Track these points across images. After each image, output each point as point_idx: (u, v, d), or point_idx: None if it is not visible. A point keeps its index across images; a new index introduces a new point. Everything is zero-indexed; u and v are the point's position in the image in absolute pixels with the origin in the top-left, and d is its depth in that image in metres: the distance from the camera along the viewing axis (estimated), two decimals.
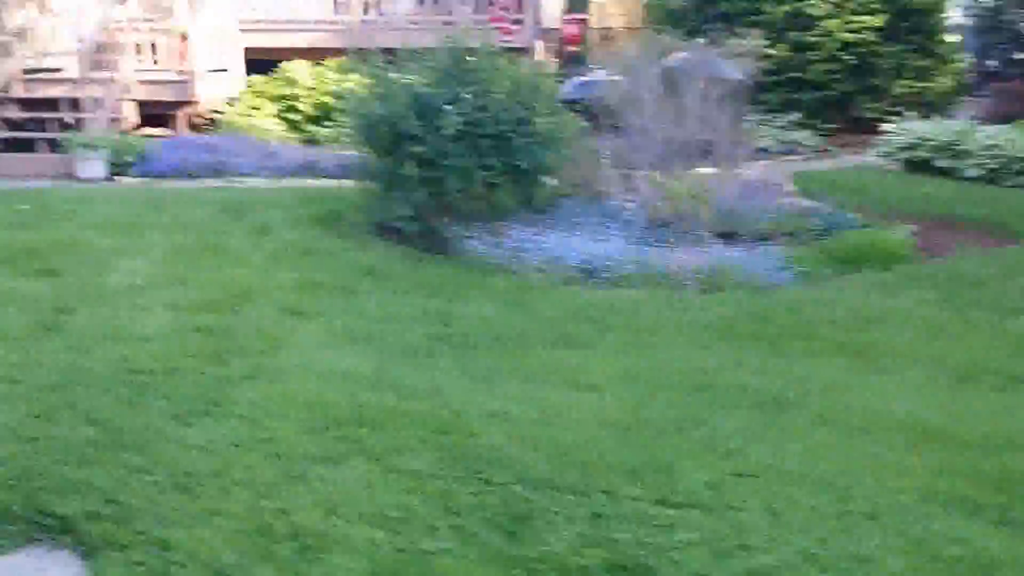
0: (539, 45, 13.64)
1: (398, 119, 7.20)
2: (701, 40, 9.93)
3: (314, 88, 12.88)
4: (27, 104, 11.91)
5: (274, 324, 5.46)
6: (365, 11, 14.17)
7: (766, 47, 11.33)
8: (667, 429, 4.17)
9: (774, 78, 12.28)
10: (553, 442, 3.96)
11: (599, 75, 10.10)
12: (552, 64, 13.29)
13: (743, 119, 8.97)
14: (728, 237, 7.38)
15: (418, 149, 7.15)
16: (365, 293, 6.15)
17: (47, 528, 3.26)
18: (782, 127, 12.27)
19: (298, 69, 13.23)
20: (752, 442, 4.06)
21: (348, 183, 8.59)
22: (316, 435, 3.98)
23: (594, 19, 16.34)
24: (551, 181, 7.98)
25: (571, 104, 8.75)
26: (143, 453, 3.77)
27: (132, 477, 3.57)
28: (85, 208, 8.38)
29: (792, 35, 13.10)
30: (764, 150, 10.70)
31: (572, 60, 14.46)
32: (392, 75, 7.72)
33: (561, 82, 9.78)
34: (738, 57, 9.27)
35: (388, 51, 8.35)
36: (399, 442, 3.92)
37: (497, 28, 11.70)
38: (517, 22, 13.31)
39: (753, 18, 12.81)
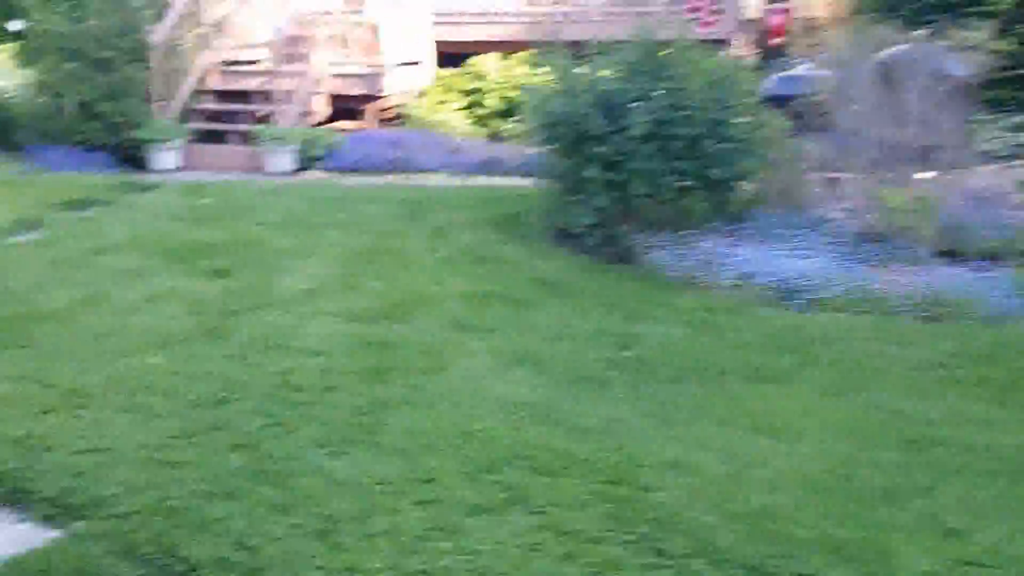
0: (739, 37, 12.88)
1: (580, 118, 6.74)
2: (919, 31, 8.97)
3: (501, 82, 12.62)
4: (223, 96, 12.18)
5: (440, 339, 5.12)
6: (556, 2, 13.78)
7: (992, 40, 10.20)
8: (878, 496, 3.55)
9: (1002, 74, 11.07)
10: (742, 504, 3.42)
11: (804, 70, 9.33)
12: (751, 57, 12.51)
13: (968, 120, 8.02)
14: (950, 256, 6.53)
15: (602, 150, 6.67)
16: (538, 307, 5.73)
17: (171, 574, 3.00)
18: (1011, 128, 11.04)
19: (487, 63, 13.01)
20: (980, 520, 3.40)
21: (530, 183, 8.22)
22: (473, 478, 3.59)
23: (798, 8, 15.36)
24: (747, 187, 7.32)
25: (772, 102, 8.05)
26: (285, 487, 3.49)
27: (270, 517, 3.28)
28: (266, 204, 8.36)
29: (1021, 28, 11.79)
30: (990, 154, 9.61)
31: (773, 53, 13.60)
32: (577, 70, 7.27)
33: (761, 77, 9.06)
34: (964, 51, 8.31)
35: (578, 44, 7.91)
36: (564, 493, 3.48)
37: (695, 19, 11.03)
38: (715, 12, 12.59)
39: (977, 8, 11.60)
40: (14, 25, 11.95)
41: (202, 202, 8.40)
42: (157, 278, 6.06)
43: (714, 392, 4.56)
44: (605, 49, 7.38)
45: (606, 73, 7.12)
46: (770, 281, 6.09)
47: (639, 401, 4.42)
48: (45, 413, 4.04)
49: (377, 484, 3.52)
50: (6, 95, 12.16)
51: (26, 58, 11.83)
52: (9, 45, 12.58)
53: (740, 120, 6.93)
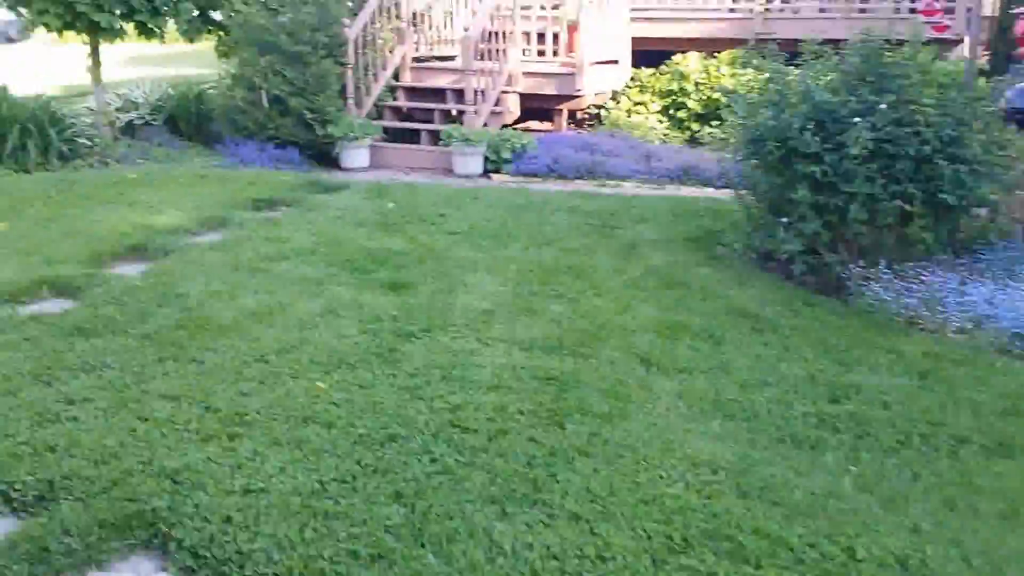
0: (972, 37, 11.75)
1: (791, 132, 6.11)
2: None
3: (703, 83, 12.00)
4: (415, 93, 12.11)
5: (624, 377, 4.66)
6: None
7: None
8: None
9: None
10: None
11: None
12: (984, 61, 11.38)
13: None
14: None
15: (814, 169, 6.03)
16: (736, 343, 5.18)
17: None
18: None
19: (689, 62, 12.41)
20: None
21: (729, 196, 7.62)
22: (658, 560, 3.12)
23: None
24: (983, 213, 6.49)
25: (1015, 115, 7.14)
26: (441, 553, 3.12)
27: None
28: (450, 210, 8.12)
29: None
30: None
31: (1010, 59, 12.36)
32: (789, 77, 6.64)
33: (999, 86, 8.11)
34: None
35: (790, 44, 7.25)
36: None
37: (928, 22, 10.06)
38: (948, 12, 11.52)
39: None
40: (214, 15, 12.28)
41: (387, 206, 8.24)
42: (334, 289, 5.86)
43: (946, 465, 3.91)
44: (821, 52, 6.71)
45: (822, 81, 6.46)
46: (1010, 326, 5.31)
47: (856, 471, 3.82)
48: (203, 441, 3.84)
49: (545, 558, 3.11)
50: (205, 86, 12.52)
51: (224, 50, 12.11)
52: (212, 36, 12.97)
53: (978, 137, 6.13)
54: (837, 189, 6.01)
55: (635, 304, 5.74)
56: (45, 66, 20.16)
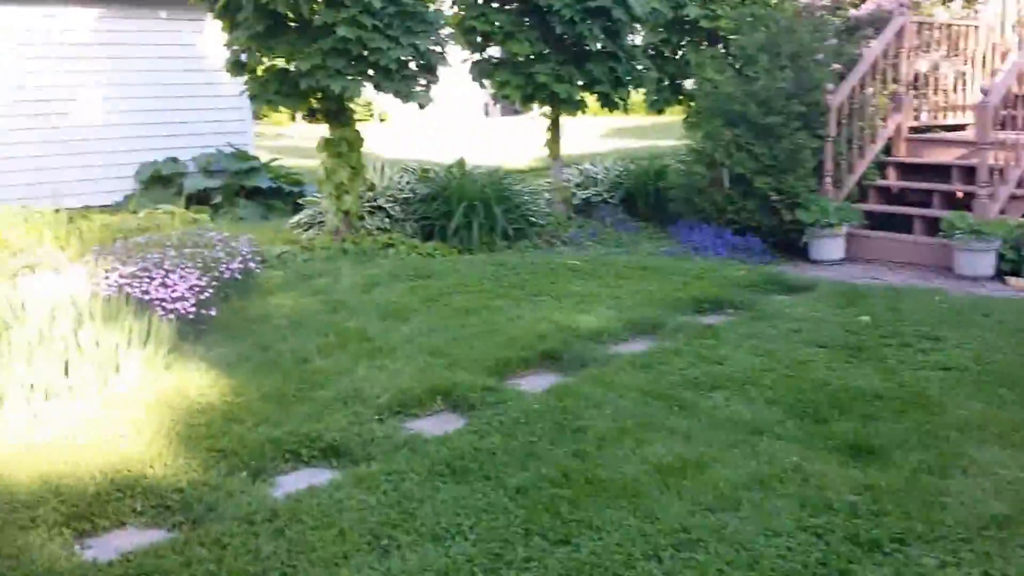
0: None
1: None
2: None
3: None
4: (909, 171, 10.20)
5: None
6: None
7: None
8: None
9: None
10: None
11: None
12: None
13: None
14: None
15: None
16: None
17: None
18: None
19: None
20: None
21: None
22: None
23: None
24: None
25: None
26: None
27: None
28: (947, 330, 6.22)
29: None
30: None
31: None
32: None
33: None
34: None
35: None
36: None
37: None
38: None
39: None
40: (685, 84, 11.45)
41: (860, 319, 6.58)
42: (771, 445, 4.40)
43: None
44: None
45: None
46: None
47: None
48: None
49: None
50: (668, 161, 11.65)
51: (693, 121, 11.21)
52: (682, 106, 12.14)
53: None
54: None
55: None
56: (524, 139, 20.91)
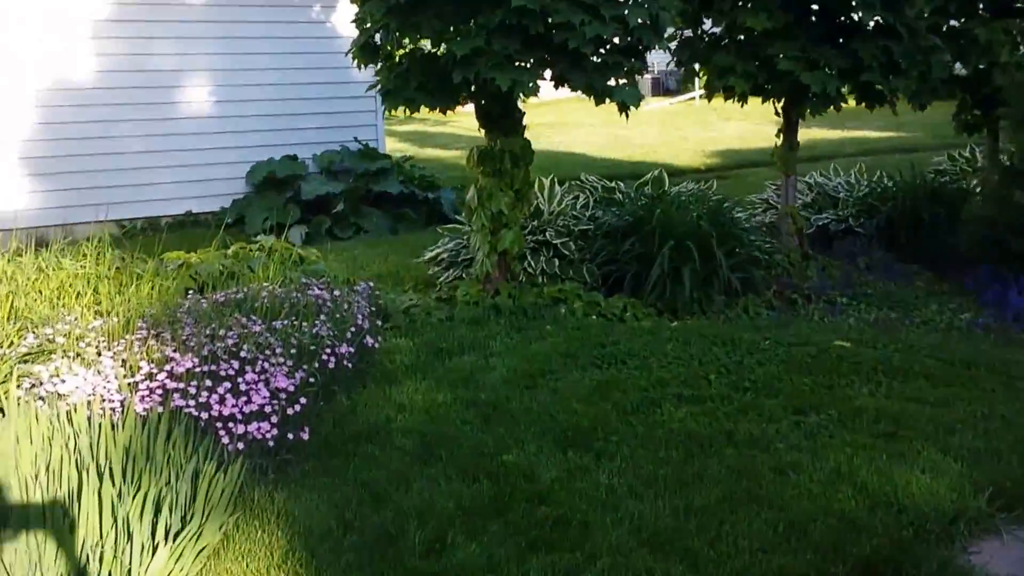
0: None
1: None
2: None
3: None
4: None
5: None
6: None
7: None
8: None
9: None
10: None
11: None
12: None
13: None
14: None
15: None
16: None
17: None
18: None
19: None
20: None
21: None
22: None
23: None
24: None
25: None
26: None
27: None
28: None
29: None
30: None
31: None
32: None
33: None
34: None
35: None
36: None
37: None
38: None
39: None
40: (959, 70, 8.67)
41: None
42: None
43: None
44: None
45: None
46: None
47: None
48: None
49: None
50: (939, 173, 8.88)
51: (970, 120, 8.46)
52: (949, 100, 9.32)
53: None
54: None
55: None
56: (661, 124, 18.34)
